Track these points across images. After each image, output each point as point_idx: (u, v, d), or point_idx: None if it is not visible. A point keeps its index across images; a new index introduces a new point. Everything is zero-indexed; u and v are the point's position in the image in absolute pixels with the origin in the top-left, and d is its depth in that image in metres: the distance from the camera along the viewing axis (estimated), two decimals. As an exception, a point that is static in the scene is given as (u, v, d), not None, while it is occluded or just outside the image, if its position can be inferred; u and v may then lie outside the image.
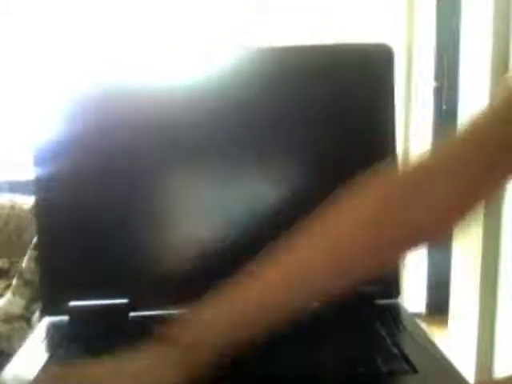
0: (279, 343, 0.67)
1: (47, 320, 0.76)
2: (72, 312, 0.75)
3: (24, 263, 1.59)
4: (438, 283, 2.22)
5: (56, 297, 0.75)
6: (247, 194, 0.78)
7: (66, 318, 0.75)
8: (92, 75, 0.77)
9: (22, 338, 0.73)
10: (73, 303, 0.75)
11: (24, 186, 1.92)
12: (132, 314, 0.76)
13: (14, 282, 1.58)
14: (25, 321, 1.49)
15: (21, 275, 1.58)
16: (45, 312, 0.76)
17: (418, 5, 2.25)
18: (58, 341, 0.70)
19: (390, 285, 0.79)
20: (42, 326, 0.75)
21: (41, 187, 0.76)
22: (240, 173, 0.78)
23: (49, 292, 0.76)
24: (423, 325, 0.75)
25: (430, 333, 0.72)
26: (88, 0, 2.28)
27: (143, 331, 0.72)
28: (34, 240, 1.60)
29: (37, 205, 0.76)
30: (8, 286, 1.65)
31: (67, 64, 0.77)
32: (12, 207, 1.88)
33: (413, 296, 2.29)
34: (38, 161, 0.75)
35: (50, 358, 0.66)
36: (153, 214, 0.77)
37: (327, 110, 0.78)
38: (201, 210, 0.78)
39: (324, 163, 0.79)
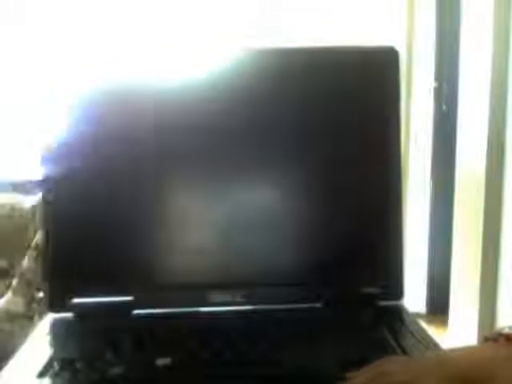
0: (280, 343, 0.67)
1: (51, 317, 0.77)
2: (76, 309, 0.75)
3: (24, 263, 1.59)
4: (438, 283, 2.22)
5: (60, 294, 0.76)
6: (248, 194, 0.78)
7: (69, 315, 0.76)
8: (95, 75, 0.77)
9: (24, 336, 0.73)
10: (77, 300, 0.75)
11: (25, 186, 1.92)
12: (135, 311, 0.76)
13: (15, 282, 1.58)
14: (27, 319, 1.49)
15: (21, 275, 1.58)
16: (49, 309, 0.76)
17: (418, 5, 2.25)
18: (61, 338, 0.71)
19: (393, 287, 0.79)
20: (45, 323, 0.75)
21: (46, 186, 0.76)
22: (241, 174, 0.78)
23: (53, 289, 0.76)
24: (423, 325, 0.75)
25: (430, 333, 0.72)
26: (89, 0, 2.28)
27: (146, 329, 0.72)
28: (35, 240, 1.60)
29: (42, 203, 0.77)
30: (8, 286, 1.65)
31: (70, 64, 0.77)
32: (12, 207, 1.87)
33: (413, 296, 2.28)
34: (45, 160, 0.76)
35: (53, 354, 0.66)
36: (157, 214, 0.77)
37: (332, 112, 0.79)
38: (203, 211, 0.78)
39: (328, 165, 0.79)
